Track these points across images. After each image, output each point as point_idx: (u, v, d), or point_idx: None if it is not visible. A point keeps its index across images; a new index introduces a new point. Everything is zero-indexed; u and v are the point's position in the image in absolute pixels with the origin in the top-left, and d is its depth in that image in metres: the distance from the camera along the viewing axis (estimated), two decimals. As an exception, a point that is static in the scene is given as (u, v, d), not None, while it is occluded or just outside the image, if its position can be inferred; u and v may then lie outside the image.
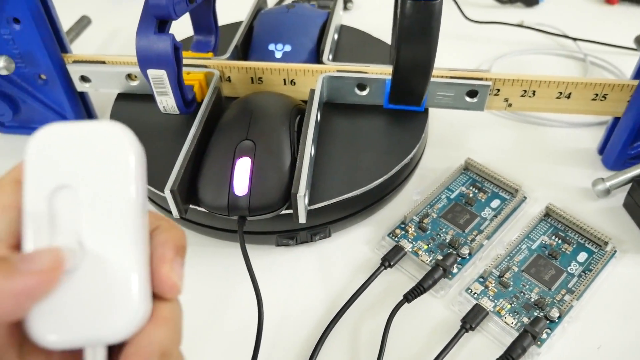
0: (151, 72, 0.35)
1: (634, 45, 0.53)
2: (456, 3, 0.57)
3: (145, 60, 0.35)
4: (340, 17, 0.51)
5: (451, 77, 0.39)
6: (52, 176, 0.17)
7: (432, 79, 0.38)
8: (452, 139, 0.44)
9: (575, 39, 0.54)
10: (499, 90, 0.39)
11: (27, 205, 0.17)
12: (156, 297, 0.18)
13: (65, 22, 0.56)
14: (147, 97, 0.41)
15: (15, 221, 0.17)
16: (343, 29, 0.50)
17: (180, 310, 0.19)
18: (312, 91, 0.38)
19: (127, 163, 0.17)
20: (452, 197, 0.39)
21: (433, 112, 0.45)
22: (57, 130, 0.17)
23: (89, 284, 0.17)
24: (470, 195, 0.39)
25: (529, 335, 0.30)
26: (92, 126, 0.17)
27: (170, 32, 0.35)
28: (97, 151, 0.17)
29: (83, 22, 0.56)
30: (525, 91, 0.39)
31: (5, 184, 0.18)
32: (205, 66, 0.41)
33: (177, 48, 0.35)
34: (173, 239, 0.18)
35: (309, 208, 0.34)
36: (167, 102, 0.37)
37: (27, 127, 0.46)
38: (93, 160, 0.17)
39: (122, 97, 0.43)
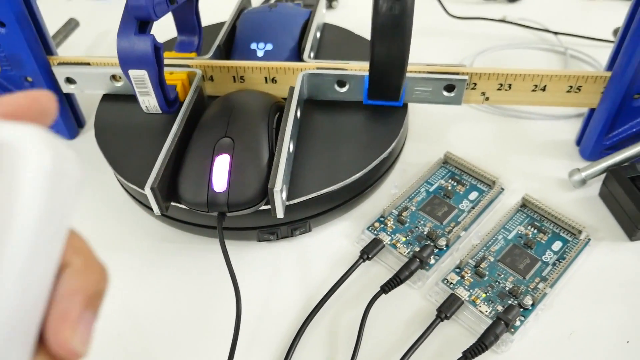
0: (133, 73, 0.36)
1: (612, 38, 0.53)
2: (439, 0, 0.57)
3: (127, 61, 0.35)
4: (323, 16, 0.52)
5: (428, 72, 0.39)
6: None
7: (409, 75, 0.39)
8: (432, 133, 0.45)
9: (556, 33, 0.55)
10: (475, 84, 0.39)
11: None
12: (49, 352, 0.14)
13: (54, 24, 0.57)
14: (132, 98, 0.41)
15: None
16: (326, 27, 0.51)
17: None
18: (292, 88, 0.38)
19: (28, 179, 0.13)
20: (431, 190, 0.40)
21: (414, 107, 0.46)
22: None
23: None
24: (449, 188, 0.39)
25: (501, 323, 0.31)
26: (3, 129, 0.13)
27: (154, 32, 0.35)
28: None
29: (71, 25, 0.57)
30: (501, 85, 0.39)
31: None
32: (188, 66, 0.42)
33: (157, 48, 0.35)
34: (85, 286, 0.14)
35: (288, 203, 0.35)
36: (149, 101, 0.38)
37: (15, 129, 0.47)
38: None
39: (107, 97, 0.44)
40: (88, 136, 0.48)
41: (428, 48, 0.55)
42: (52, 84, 0.43)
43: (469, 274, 0.34)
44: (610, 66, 0.38)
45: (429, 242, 0.36)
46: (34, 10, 0.41)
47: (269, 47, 0.44)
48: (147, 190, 0.32)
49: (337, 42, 0.49)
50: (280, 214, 0.33)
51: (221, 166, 0.33)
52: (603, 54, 0.52)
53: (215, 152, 0.34)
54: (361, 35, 0.49)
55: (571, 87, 0.39)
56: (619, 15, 0.36)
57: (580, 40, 0.54)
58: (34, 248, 0.13)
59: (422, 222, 0.37)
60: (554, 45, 0.54)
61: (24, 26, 0.40)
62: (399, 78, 0.37)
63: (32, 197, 0.13)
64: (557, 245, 0.36)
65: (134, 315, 0.34)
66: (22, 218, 0.13)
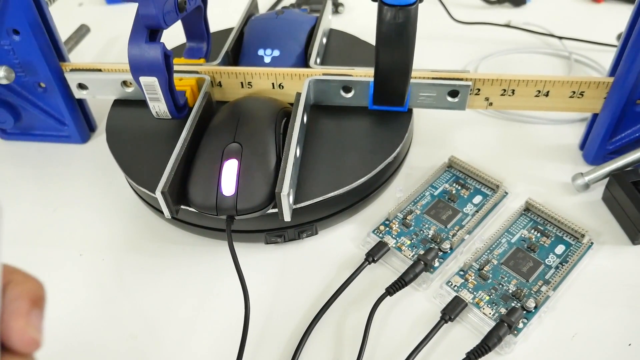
0: (143, 80, 0.37)
1: (616, 43, 0.54)
2: (443, 4, 0.58)
3: (137, 68, 0.36)
4: (329, 21, 0.52)
5: (433, 78, 0.40)
6: None
7: (414, 80, 0.40)
8: (437, 137, 0.46)
9: (560, 38, 0.55)
10: (479, 90, 0.40)
11: None
12: (13, 352, 0.17)
13: (65, 30, 0.58)
14: (142, 103, 0.42)
15: None
16: (332, 33, 0.52)
17: None
18: (298, 94, 0.39)
19: None
20: (435, 194, 0.40)
21: (419, 112, 0.46)
22: None
23: None
24: (453, 192, 0.40)
25: (505, 325, 0.31)
26: None
27: (164, 38, 0.36)
28: None
29: (82, 31, 0.58)
30: (504, 90, 0.40)
31: None
32: (197, 72, 0.43)
33: (167, 56, 0.36)
34: (27, 291, 0.17)
35: (295, 206, 0.35)
36: (159, 107, 0.39)
37: (28, 133, 0.48)
38: None
39: (118, 103, 0.45)
40: (100, 140, 0.49)
41: (433, 53, 0.55)
42: (64, 89, 0.44)
43: (473, 277, 0.35)
44: (613, 72, 0.39)
45: (433, 245, 0.37)
46: (47, 18, 0.42)
47: (276, 53, 0.44)
48: (158, 194, 0.33)
49: (343, 47, 0.50)
50: (287, 217, 0.34)
51: (230, 171, 0.34)
52: (607, 58, 0.52)
53: (223, 157, 0.35)
54: (366, 41, 0.50)
55: (574, 92, 0.39)
56: (623, 20, 0.36)
57: (585, 45, 0.54)
58: None
59: (426, 226, 0.38)
60: (559, 50, 0.55)
61: (37, 34, 0.41)
62: (404, 84, 0.38)
63: None
64: (560, 248, 0.36)
65: (144, 316, 0.35)
66: None
